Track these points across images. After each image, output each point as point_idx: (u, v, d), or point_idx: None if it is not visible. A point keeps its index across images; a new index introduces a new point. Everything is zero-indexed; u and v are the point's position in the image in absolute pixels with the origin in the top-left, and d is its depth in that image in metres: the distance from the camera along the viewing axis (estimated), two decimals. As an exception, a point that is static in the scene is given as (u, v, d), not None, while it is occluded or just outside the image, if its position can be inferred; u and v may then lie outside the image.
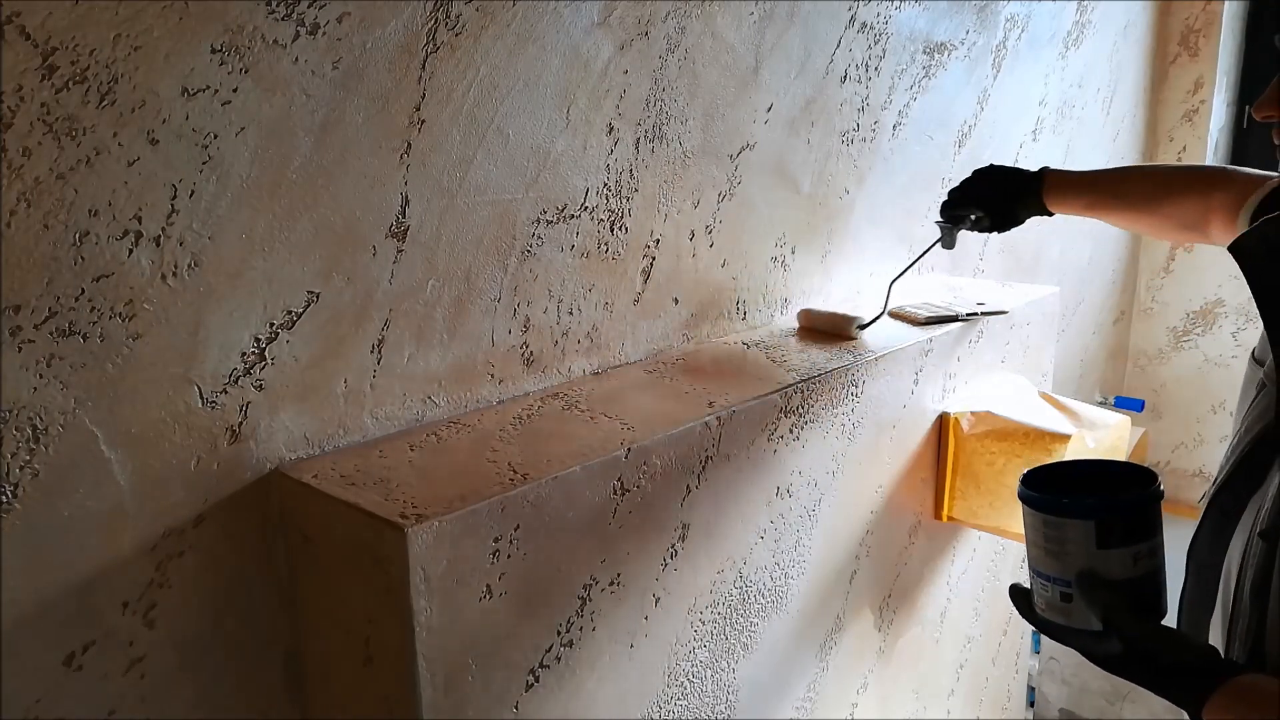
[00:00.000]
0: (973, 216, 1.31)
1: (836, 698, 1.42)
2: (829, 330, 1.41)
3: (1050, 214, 1.31)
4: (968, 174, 1.38)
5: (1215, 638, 0.87)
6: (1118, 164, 2.70)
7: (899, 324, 1.50)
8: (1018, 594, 0.83)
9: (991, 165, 1.36)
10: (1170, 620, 0.79)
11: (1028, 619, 0.82)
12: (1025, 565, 0.83)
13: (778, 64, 1.38)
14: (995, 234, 1.35)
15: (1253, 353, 0.92)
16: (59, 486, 0.77)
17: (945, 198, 1.36)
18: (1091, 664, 0.78)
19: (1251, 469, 0.83)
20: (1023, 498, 0.80)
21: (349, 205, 0.92)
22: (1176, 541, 0.83)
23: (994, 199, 1.31)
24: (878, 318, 1.41)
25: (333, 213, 0.91)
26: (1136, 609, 0.74)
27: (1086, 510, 0.75)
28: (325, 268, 0.92)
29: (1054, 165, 1.33)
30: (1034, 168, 1.32)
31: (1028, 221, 1.34)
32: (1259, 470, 0.82)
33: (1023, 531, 0.82)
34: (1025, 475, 0.83)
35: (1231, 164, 3.04)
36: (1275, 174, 1.06)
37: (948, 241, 1.36)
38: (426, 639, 0.82)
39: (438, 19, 0.95)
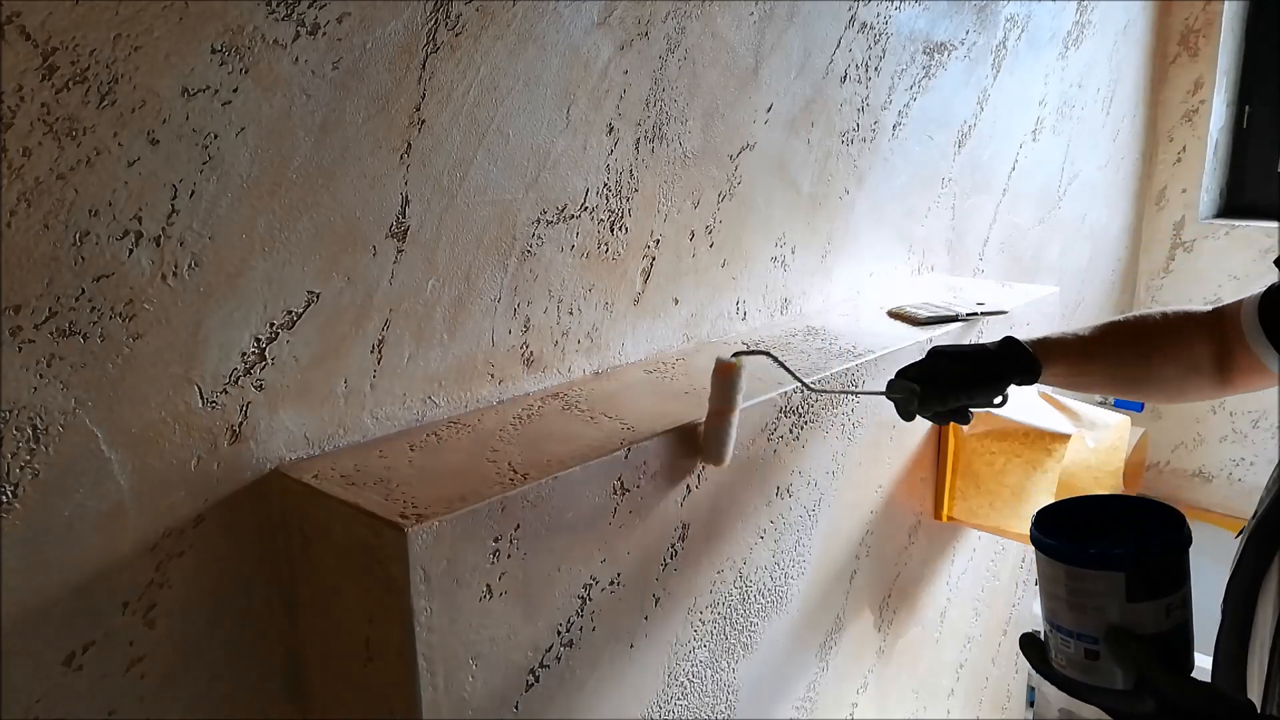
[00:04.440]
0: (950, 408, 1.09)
1: (836, 698, 1.42)
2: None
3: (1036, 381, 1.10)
4: (922, 355, 1.12)
5: (1253, 690, 0.81)
6: (1118, 164, 2.70)
7: (899, 324, 1.50)
8: (1029, 645, 0.75)
9: (953, 350, 1.10)
10: (1204, 664, 0.73)
11: (1043, 674, 0.74)
12: (1041, 615, 0.75)
13: (778, 64, 1.38)
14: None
15: None
16: (59, 486, 0.77)
17: (909, 382, 1.09)
18: None
19: None
20: (1040, 546, 0.71)
21: (349, 205, 0.92)
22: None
23: (973, 385, 1.08)
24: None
25: (333, 213, 0.91)
26: (1169, 664, 0.67)
27: (1117, 561, 0.67)
28: (325, 268, 0.92)
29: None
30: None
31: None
32: None
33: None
34: (1036, 518, 0.74)
35: (1231, 164, 3.01)
36: (1236, 299, 0.98)
37: (908, 415, 1.11)
38: (426, 639, 0.82)
39: (438, 19, 0.95)
